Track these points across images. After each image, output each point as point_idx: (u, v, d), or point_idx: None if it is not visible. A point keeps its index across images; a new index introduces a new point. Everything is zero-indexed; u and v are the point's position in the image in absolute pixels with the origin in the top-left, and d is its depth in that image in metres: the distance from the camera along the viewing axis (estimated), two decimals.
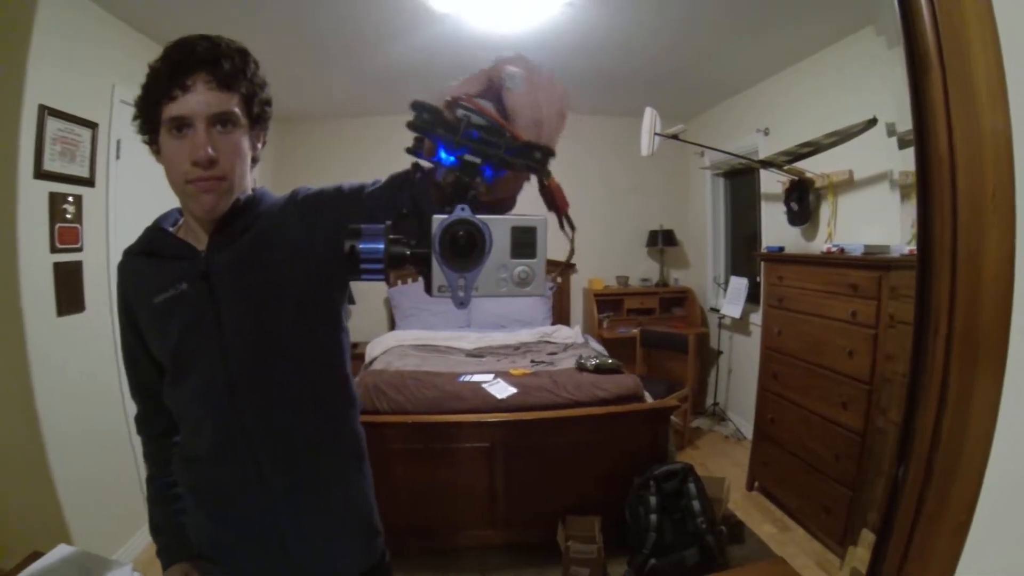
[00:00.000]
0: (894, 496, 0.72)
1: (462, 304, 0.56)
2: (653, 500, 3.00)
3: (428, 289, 0.57)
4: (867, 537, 2.72)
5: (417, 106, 0.60)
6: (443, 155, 0.59)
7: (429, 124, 0.60)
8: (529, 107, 0.64)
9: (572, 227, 0.64)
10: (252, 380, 1.13)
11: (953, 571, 0.64)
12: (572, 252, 0.65)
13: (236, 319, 1.11)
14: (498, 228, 0.55)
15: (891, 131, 3.11)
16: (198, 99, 1.01)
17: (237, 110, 1.06)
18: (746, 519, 3.52)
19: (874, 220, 3.38)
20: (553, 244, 0.58)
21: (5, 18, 2.74)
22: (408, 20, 3.37)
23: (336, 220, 1.02)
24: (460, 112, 0.61)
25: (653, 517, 2.97)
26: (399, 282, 5.71)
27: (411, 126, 0.61)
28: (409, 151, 0.66)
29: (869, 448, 2.85)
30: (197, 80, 1.01)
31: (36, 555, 1.40)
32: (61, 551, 1.42)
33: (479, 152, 0.59)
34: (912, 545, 0.69)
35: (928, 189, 0.66)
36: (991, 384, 0.61)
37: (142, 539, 3.36)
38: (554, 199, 0.64)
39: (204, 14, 3.19)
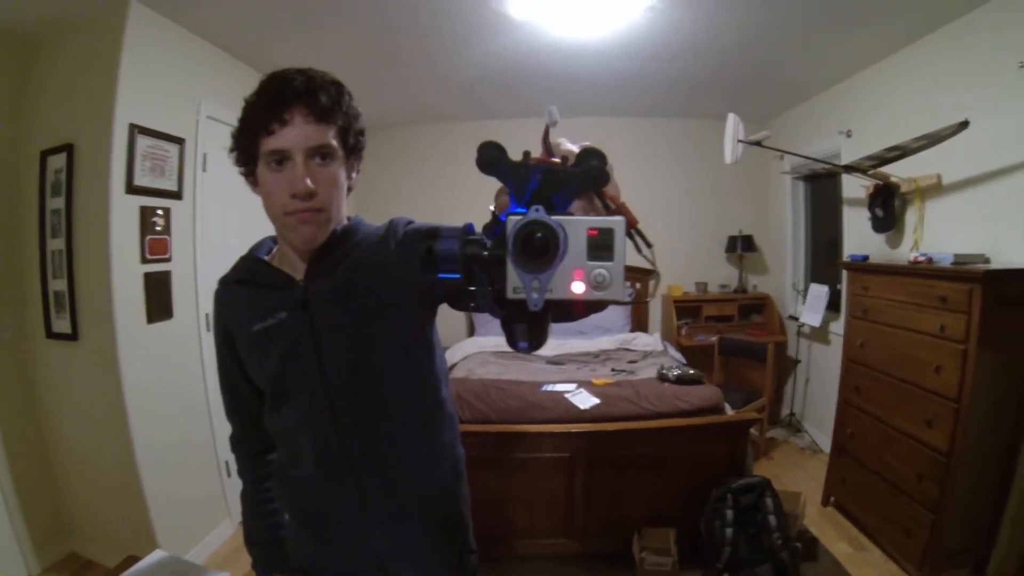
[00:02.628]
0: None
1: (535, 305, 0.55)
2: (729, 514, 2.98)
3: (503, 291, 0.56)
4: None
5: (485, 146, 0.59)
6: (516, 209, 0.57)
7: (497, 160, 0.59)
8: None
9: (648, 243, 0.63)
10: (353, 406, 1.17)
11: None
12: (655, 271, 0.65)
13: (335, 347, 1.15)
14: (574, 229, 0.54)
15: None
16: (296, 132, 1.05)
17: (334, 142, 1.09)
18: (820, 536, 3.45)
19: (965, 227, 3.24)
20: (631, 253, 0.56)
21: (95, 41, 2.93)
22: (487, 27, 3.42)
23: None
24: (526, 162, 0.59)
25: (729, 531, 2.95)
26: None
27: (480, 164, 0.59)
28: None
29: (955, 471, 2.75)
30: (295, 114, 1.05)
31: (132, 559, 1.46)
32: (156, 556, 1.47)
33: (545, 187, 0.57)
34: None
35: None
36: None
37: (224, 531, 3.56)
38: (621, 214, 0.61)
39: (284, 28, 3.30)
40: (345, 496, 1.20)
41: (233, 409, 1.37)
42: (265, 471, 1.37)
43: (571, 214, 0.57)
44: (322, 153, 1.08)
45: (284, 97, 1.05)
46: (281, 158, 1.06)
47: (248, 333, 1.20)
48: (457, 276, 0.59)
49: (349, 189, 1.18)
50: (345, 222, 1.20)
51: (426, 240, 0.62)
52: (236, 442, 1.41)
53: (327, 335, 1.15)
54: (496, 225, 0.59)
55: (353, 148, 1.15)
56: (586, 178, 0.57)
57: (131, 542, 2.89)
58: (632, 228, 0.61)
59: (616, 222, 0.54)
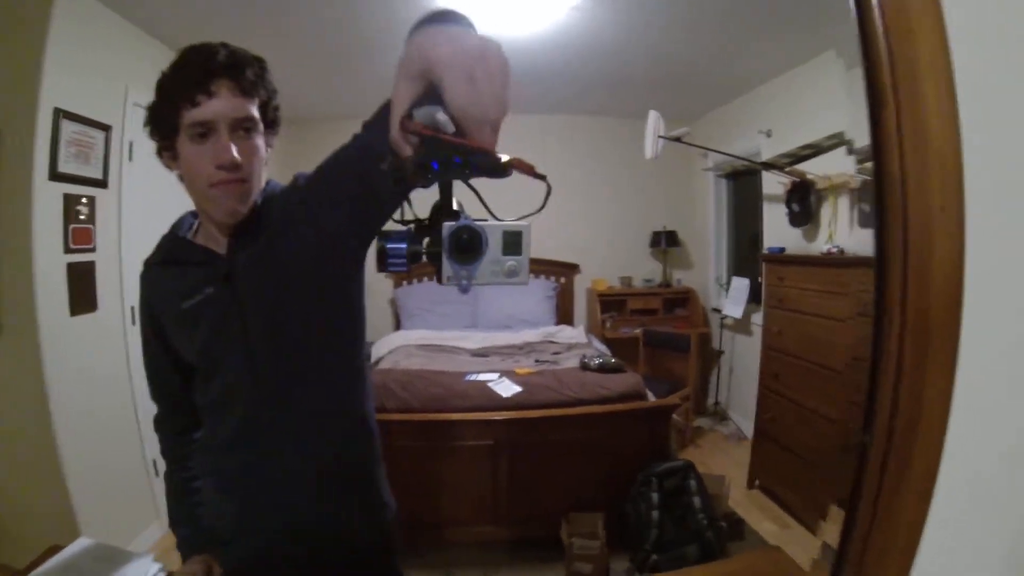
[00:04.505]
0: (861, 464, 0.78)
1: (464, 291, 0.68)
2: (655, 497, 3.04)
3: (439, 279, 0.67)
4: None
5: (384, 161, 0.68)
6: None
7: (400, 170, 0.67)
8: (472, 108, 0.62)
9: (543, 176, 0.67)
10: (275, 370, 1.18)
11: (919, 536, 0.71)
12: (548, 191, 0.67)
13: (260, 315, 1.16)
14: (493, 231, 0.66)
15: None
16: (222, 104, 1.05)
17: (257, 115, 1.11)
18: (747, 516, 3.55)
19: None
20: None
21: (20, 23, 2.79)
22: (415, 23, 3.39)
23: (332, 181, 1.12)
24: (413, 138, 0.64)
25: (655, 513, 3.01)
26: (404, 282, 5.77)
27: (388, 173, 0.68)
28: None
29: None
30: (221, 86, 1.05)
31: (55, 548, 1.40)
32: (80, 543, 1.41)
33: (445, 174, 0.64)
34: (879, 509, 0.75)
35: (883, 203, 0.76)
36: (943, 362, 0.70)
37: (153, 534, 3.42)
38: (521, 170, 0.67)
39: (216, 18, 3.24)
40: (265, 458, 1.22)
41: (157, 391, 1.37)
42: (187, 450, 1.37)
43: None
44: (246, 125, 1.09)
45: (209, 69, 1.04)
46: (205, 130, 1.05)
47: (177, 311, 1.19)
48: (405, 270, 0.73)
49: (264, 163, 1.19)
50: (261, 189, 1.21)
51: (379, 239, 0.72)
52: (159, 423, 1.40)
53: (251, 305, 1.16)
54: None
55: (272, 122, 1.17)
56: (489, 170, 0.63)
57: (53, 543, 2.76)
58: (533, 173, 0.67)
59: (524, 226, 0.67)
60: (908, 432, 0.73)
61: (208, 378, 1.23)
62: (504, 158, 0.63)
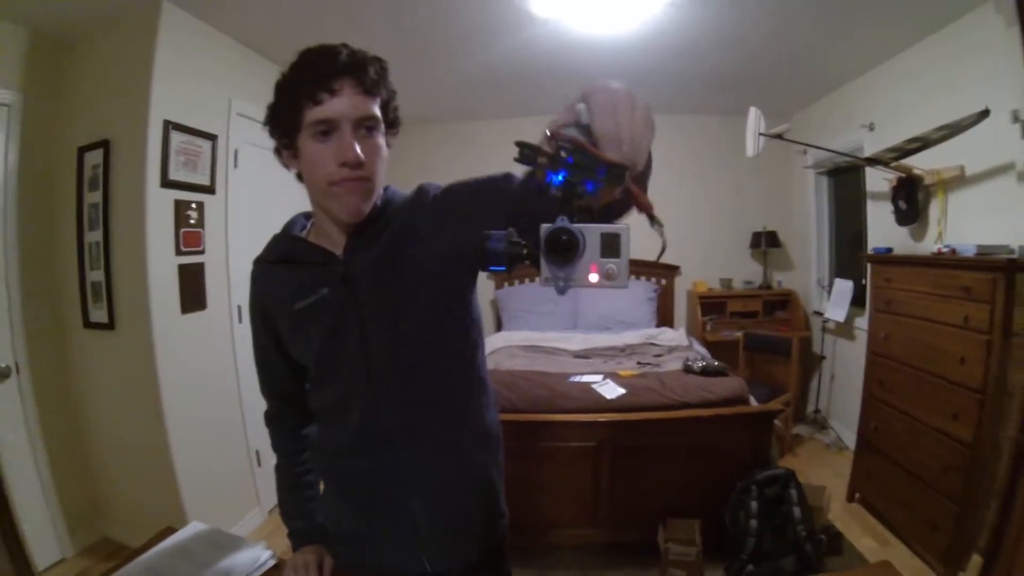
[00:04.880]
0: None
1: (562, 292, 0.69)
2: (754, 505, 2.98)
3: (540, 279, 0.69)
4: (976, 562, 2.59)
5: (519, 144, 0.70)
6: (553, 176, 0.70)
7: (531, 158, 0.70)
8: (608, 130, 0.71)
9: (660, 223, 0.74)
10: (392, 377, 1.19)
11: None
12: (664, 245, 0.75)
13: (377, 319, 1.17)
14: (590, 233, 0.67)
15: (1016, 117, 2.91)
16: (345, 102, 1.05)
17: (379, 114, 1.11)
18: (846, 531, 3.42)
19: (989, 218, 3.21)
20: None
21: (129, 40, 3.03)
22: (510, 24, 3.46)
23: (471, 209, 1.11)
24: (559, 141, 0.71)
25: (753, 522, 2.95)
26: (506, 284, 5.85)
27: (519, 160, 0.71)
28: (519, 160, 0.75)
29: (982, 463, 2.72)
30: (344, 84, 1.05)
31: (170, 530, 1.48)
32: (194, 527, 1.49)
33: (576, 174, 0.69)
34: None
35: None
36: None
37: (255, 519, 3.62)
38: (638, 203, 0.75)
39: (310, 29, 3.33)
40: (383, 464, 1.23)
41: (269, 387, 1.40)
42: (300, 445, 1.41)
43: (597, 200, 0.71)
44: (368, 124, 1.09)
45: (333, 68, 1.06)
46: (328, 128, 1.06)
47: (289, 311, 1.21)
48: (504, 270, 0.73)
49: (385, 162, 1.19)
50: (383, 192, 1.22)
51: (481, 240, 0.73)
52: (271, 418, 1.43)
53: (369, 309, 1.16)
54: (537, 171, 0.70)
55: (392, 122, 1.17)
56: (609, 181, 0.69)
57: (163, 526, 2.94)
58: (648, 213, 0.74)
59: (622, 228, 0.67)
60: None
61: (323, 382, 1.24)
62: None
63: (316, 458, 1.38)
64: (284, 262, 1.25)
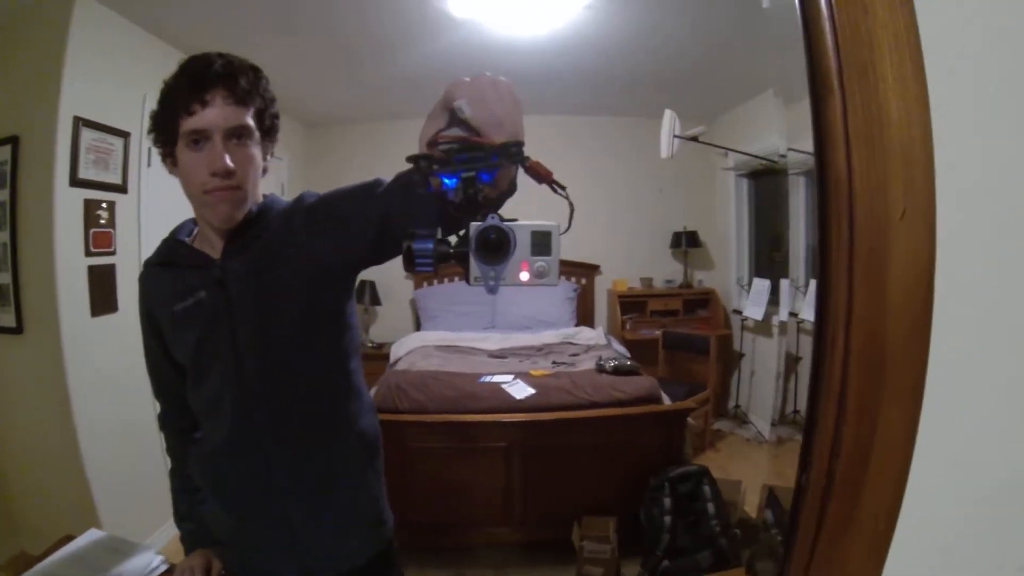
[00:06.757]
0: (796, 504, 0.73)
1: (492, 291, 0.68)
2: (667, 502, 3.02)
3: (467, 279, 0.68)
4: None
5: (413, 159, 0.73)
6: (447, 181, 0.71)
7: (428, 168, 0.71)
8: (486, 117, 0.75)
9: (563, 187, 0.74)
10: (263, 379, 1.20)
11: None
12: (572, 210, 0.74)
13: (249, 323, 1.18)
14: (521, 231, 0.66)
15: None
16: (216, 113, 1.07)
17: (251, 123, 1.13)
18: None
19: None
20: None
21: (40, 34, 2.87)
22: (430, 25, 3.43)
23: (343, 219, 1.15)
24: (442, 147, 0.74)
25: (667, 519, 2.99)
26: (425, 283, 5.80)
27: (416, 172, 0.73)
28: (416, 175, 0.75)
29: None
30: (215, 95, 1.08)
31: (68, 538, 1.50)
32: (92, 535, 1.51)
33: (471, 168, 0.70)
34: (816, 555, 0.69)
35: (826, 207, 0.69)
36: (901, 394, 0.63)
37: (171, 530, 3.47)
38: (538, 173, 0.75)
39: (232, 25, 3.26)
40: (252, 466, 1.23)
41: (159, 388, 1.40)
42: (190, 448, 1.38)
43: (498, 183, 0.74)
44: (239, 134, 1.11)
45: (205, 79, 1.08)
46: (200, 138, 1.08)
47: (170, 313, 1.23)
48: (431, 271, 0.71)
49: (264, 170, 1.21)
50: (261, 200, 1.23)
51: (405, 239, 0.71)
52: (163, 420, 1.43)
53: (241, 312, 1.18)
54: (424, 180, 0.73)
55: (269, 130, 1.20)
56: (508, 161, 0.72)
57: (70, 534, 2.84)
58: (550, 182, 0.74)
59: (553, 226, 0.67)
60: (852, 476, 0.65)
61: (198, 382, 1.25)
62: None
63: (194, 460, 1.35)
64: (168, 265, 1.28)
